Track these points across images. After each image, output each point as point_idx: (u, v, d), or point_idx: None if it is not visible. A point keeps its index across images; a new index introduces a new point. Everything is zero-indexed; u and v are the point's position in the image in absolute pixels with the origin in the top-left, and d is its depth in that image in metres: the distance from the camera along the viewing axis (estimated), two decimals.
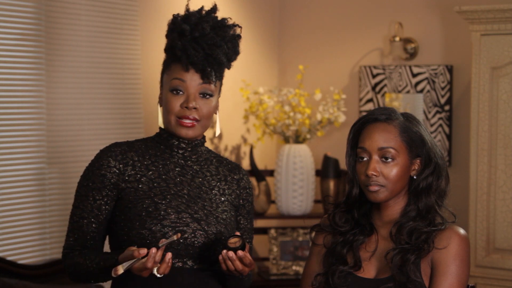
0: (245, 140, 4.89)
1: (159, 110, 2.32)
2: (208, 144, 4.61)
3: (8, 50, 3.55)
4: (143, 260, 2.06)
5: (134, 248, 2.09)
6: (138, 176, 2.26)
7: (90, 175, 2.27)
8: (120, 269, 2.04)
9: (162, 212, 2.21)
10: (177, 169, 2.31)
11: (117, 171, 2.25)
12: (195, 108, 2.25)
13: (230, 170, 2.40)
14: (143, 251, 2.05)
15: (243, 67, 4.82)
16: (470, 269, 2.17)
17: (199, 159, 2.35)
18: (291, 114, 4.52)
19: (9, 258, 3.53)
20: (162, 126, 2.33)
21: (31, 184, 3.67)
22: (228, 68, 2.34)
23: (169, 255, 2.08)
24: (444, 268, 2.11)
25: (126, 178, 2.26)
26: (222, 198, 2.34)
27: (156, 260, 2.06)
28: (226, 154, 4.77)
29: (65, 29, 3.79)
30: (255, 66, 4.93)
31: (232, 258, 2.14)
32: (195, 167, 2.34)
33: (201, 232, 2.24)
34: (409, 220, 2.17)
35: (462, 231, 2.16)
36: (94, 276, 2.23)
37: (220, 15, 2.33)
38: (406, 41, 4.63)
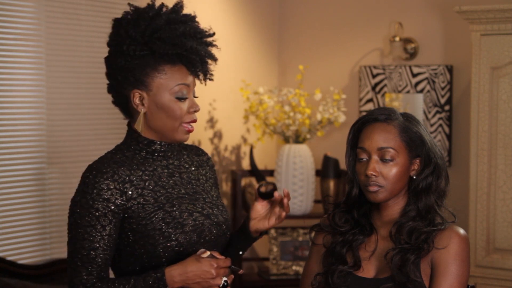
0: (245, 140, 4.89)
1: (141, 114, 2.18)
2: (207, 144, 4.66)
3: (8, 50, 3.56)
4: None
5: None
6: (139, 190, 2.16)
7: (91, 203, 2.10)
8: (207, 252, 2.13)
9: (180, 219, 2.16)
10: (165, 171, 2.23)
11: (119, 192, 2.12)
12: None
13: (197, 154, 2.37)
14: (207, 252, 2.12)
15: (243, 67, 4.82)
16: (470, 269, 2.17)
17: (173, 153, 2.27)
18: (291, 114, 4.51)
19: (9, 258, 3.53)
20: (142, 133, 2.21)
21: (31, 184, 3.67)
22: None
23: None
24: (444, 268, 2.11)
25: (129, 195, 2.14)
26: (208, 184, 2.32)
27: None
28: (226, 154, 4.77)
29: (65, 29, 3.79)
30: (255, 66, 4.93)
31: (283, 194, 2.22)
32: (175, 162, 2.27)
33: (215, 226, 2.23)
34: (408, 220, 2.17)
35: (462, 231, 2.16)
36: None
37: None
38: (406, 41, 4.62)
